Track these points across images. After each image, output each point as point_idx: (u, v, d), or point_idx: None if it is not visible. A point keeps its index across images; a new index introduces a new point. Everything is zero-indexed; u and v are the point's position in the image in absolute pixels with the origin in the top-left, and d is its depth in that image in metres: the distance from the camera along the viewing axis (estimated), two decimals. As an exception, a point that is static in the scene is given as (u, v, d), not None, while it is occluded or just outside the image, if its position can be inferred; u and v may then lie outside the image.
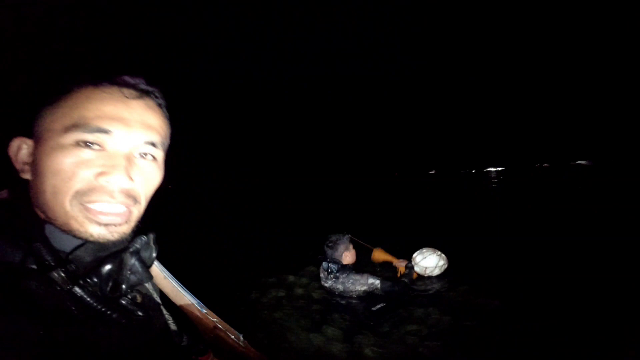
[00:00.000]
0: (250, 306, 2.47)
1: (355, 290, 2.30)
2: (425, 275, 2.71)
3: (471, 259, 3.14)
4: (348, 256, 2.43)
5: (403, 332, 1.99)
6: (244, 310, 2.39)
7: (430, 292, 2.55)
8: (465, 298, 2.34)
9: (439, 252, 2.75)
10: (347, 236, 2.47)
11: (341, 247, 2.41)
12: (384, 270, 2.88)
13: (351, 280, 2.29)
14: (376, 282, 2.28)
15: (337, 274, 2.33)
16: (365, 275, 2.33)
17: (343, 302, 2.33)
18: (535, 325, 1.80)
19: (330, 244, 2.43)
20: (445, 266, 2.73)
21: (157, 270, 0.67)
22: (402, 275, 2.49)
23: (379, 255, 2.75)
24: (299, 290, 2.76)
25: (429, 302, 2.33)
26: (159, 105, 0.47)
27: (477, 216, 5.56)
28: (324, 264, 2.41)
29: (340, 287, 2.32)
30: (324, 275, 2.42)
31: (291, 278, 2.91)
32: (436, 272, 2.71)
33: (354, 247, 2.51)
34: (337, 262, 2.38)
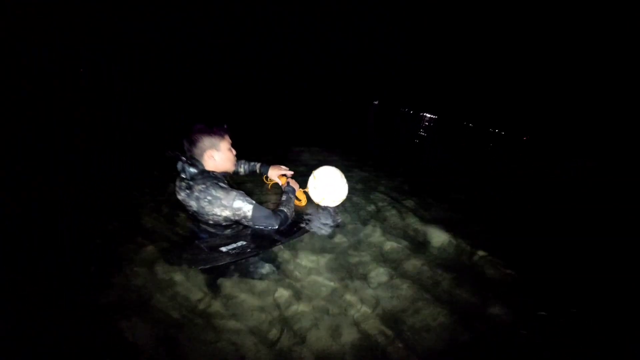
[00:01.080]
0: (97, 221, 1.84)
1: (213, 214, 1.51)
2: (320, 204, 2.01)
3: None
4: (216, 159, 1.58)
5: (257, 292, 1.42)
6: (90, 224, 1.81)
7: (317, 233, 1.88)
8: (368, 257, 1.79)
9: (339, 175, 1.97)
10: (221, 128, 1.61)
11: (206, 142, 1.54)
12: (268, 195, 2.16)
13: (209, 197, 1.48)
14: (246, 207, 1.52)
15: (191, 183, 1.52)
16: (234, 194, 1.52)
17: (196, 226, 1.65)
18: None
19: (191, 136, 1.55)
20: (344, 196, 1.98)
21: None
22: (282, 202, 1.75)
23: (273, 172, 2.01)
24: (153, 205, 2.04)
25: (310, 249, 1.72)
26: None
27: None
28: (179, 165, 1.55)
29: (193, 203, 1.52)
30: (178, 182, 1.62)
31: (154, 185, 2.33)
32: (330, 201, 1.97)
33: (233, 151, 1.67)
34: (196, 164, 1.54)
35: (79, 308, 1.32)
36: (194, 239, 1.66)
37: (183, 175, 1.57)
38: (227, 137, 1.64)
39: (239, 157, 1.85)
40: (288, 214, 1.72)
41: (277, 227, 1.63)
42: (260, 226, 1.61)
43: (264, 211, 1.60)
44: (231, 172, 1.71)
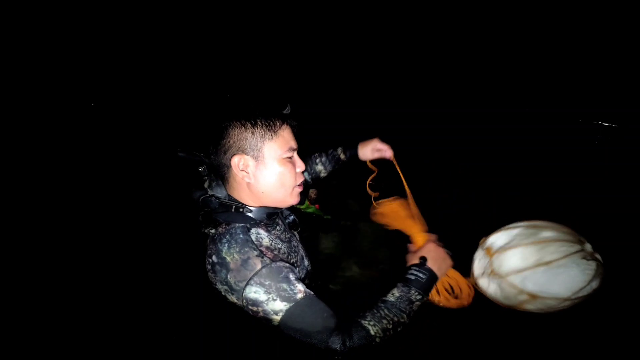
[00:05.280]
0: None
1: (216, 289, 0.73)
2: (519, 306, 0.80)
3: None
4: (251, 177, 0.76)
5: None
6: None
7: None
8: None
9: (581, 245, 0.79)
10: (274, 108, 0.79)
11: (232, 137, 0.74)
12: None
13: (214, 258, 0.72)
14: (271, 305, 0.67)
15: (210, 231, 0.77)
16: (255, 269, 0.69)
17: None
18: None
19: (209, 129, 0.78)
20: (593, 286, 0.76)
21: None
22: (382, 306, 0.73)
23: (365, 151, 1.12)
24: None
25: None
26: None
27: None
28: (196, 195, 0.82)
29: (207, 266, 0.74)
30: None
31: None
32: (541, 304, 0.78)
33: (297, 164, 0.81)
34: (212, 185, 0.80)
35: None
36: None
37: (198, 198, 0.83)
38: (285, 132, 0.79)
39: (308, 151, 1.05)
40: (375, 335, 0.70)
41: (334, 352, 0.68)
42: (300, 340, 0.70)
43: (315, 320, 0.69)
44: (290, 205, 0.84)
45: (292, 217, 0.94)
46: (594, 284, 0.79)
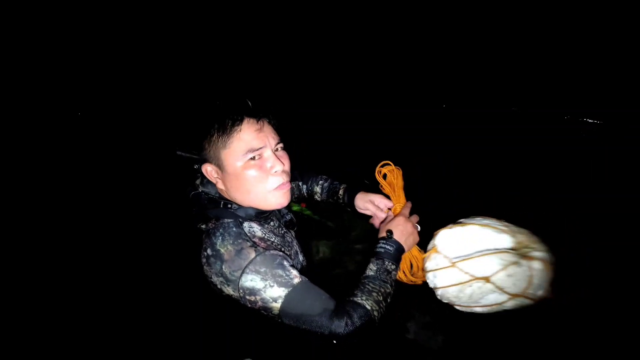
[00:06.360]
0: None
1: (212, 283, 0.74)
2: (446, 299, 0.81)
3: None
4: (221, 182, 0.80)
5: None
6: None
7: None
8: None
9: (533, 244, 0.76)
10: (231, 106, 0.77)
11: (202, 149, 0.79)
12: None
13: (208, 251, 0.74)
14: (270, 292, 0.68)
15: (201, 227, 0.80)
16: (248, 257, 0.70)
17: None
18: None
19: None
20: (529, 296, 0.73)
21: None
22: (366, 280, 0.77)
23: (361, 203, 1.02)
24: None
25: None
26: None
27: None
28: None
29: (202, 260, 0.76)
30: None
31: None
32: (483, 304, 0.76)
33: (273, 165, 0.76)
34: (204, 182, 0.84)
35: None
36: None
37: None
38: (243, 133, 0.75)
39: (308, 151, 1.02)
40: (372, 309, 0.71)
41: (339, 336, 0.68)
42: (302, 327, 0.70)
43: (314, 303, 0.69)
44: (273, 209, 0.82)
45: (289, 216, 0.93)
46: (498, 269, 0.74)
